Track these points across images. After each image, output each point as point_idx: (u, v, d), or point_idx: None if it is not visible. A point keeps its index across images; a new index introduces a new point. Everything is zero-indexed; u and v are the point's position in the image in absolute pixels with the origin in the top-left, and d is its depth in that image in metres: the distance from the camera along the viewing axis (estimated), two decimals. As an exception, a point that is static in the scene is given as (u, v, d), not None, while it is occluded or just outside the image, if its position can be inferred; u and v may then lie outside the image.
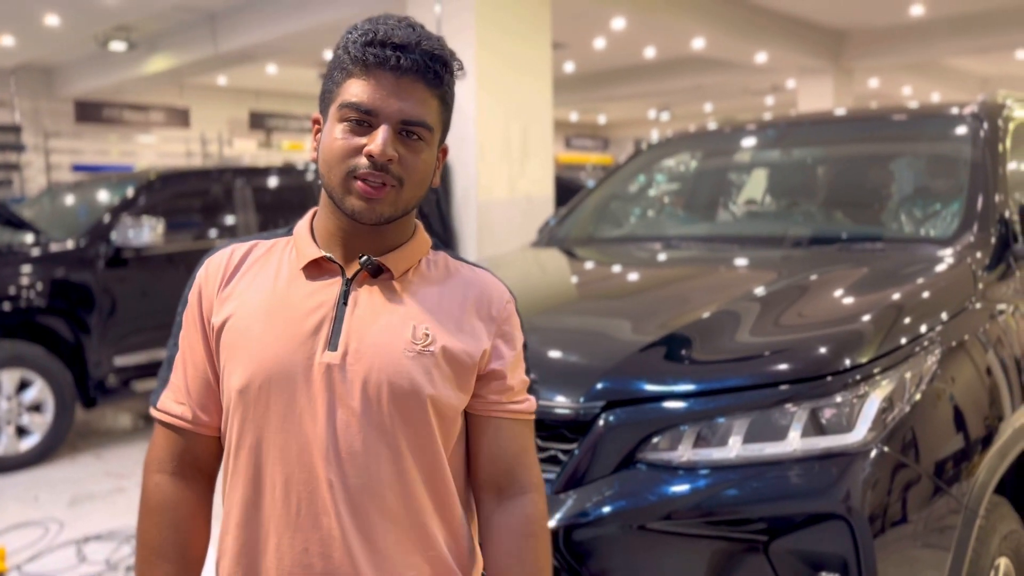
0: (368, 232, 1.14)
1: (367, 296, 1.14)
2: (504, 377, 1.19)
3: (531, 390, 1.25)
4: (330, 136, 1.11)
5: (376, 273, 1.16)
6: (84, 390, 4.97)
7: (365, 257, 1.13)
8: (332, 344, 1.10)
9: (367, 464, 1.09)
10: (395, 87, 1.09)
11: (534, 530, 1.19)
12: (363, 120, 1.09)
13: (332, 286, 1.14)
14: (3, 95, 13.88)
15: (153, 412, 1.21)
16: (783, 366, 1.83)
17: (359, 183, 1.09)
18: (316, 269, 1.15)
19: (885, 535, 1.70)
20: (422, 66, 1.09)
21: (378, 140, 1.07)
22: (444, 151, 1.20)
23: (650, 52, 13.72)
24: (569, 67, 14.99)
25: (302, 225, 1.21)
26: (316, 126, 1.18)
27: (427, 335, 1.12)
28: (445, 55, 1.12)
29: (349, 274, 1.15)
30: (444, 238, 5.99)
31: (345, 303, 1.13)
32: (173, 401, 1.19)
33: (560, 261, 3.15)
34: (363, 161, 1.08)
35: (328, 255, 1.15)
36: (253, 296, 1.15)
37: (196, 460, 1.20)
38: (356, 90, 1.09)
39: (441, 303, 1.16)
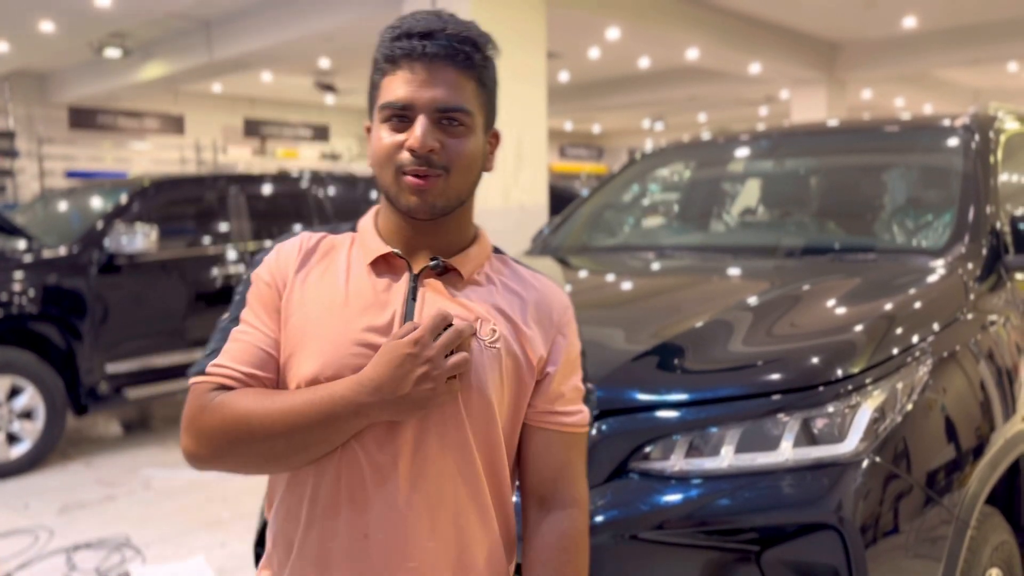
0: (428, 228, 1.15)
1: (434, 293, 1.15)
2: (555, 383, 1.19)
3: (584, 400, 1.23)
4: (376, 138, 1.12)
5: (443, 273, 1.17)
6: (75, 397, 4.95)
7: (435, 260, 1.15)
8: None
9: (434, 453, 1.10)
10: (426, 76, 1.09)
11: (568, 545, 1.18)
12: (402, 116, 1.09)
13: (400, 282, 1.15)
14: (-3, 101, 13.87)
15: (194, 380, 1.12)
16: (775, 376, 1.84)
17: (407, 177, 1.09)
18: (383, 265, 1.16)
19: (877, 545, 1.70)
20: (450, 50, 1.09)
21: (416, 133, 1.07)
22: (495, 135, 1.20)
23: (644, 62, 13.79)
24: (564, 77, 15.04)
25: (367, 221, 1.22)
26: (368, 133, 1.18)
27: (494, 331, 1.13)
28: (474, 36, 1.12)
29: (416, 270, 1.15)
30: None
31: (414, 299, 1.14)
32: (223, 363, 1.11)
33: (554, 270, 3.15)
34: (407, 156, 1.09)
35: (395, 251, 1.15)
36: (324, 289, 1.15)
37: None
38: (391, 88, 1.10)
39: (505, 305, 1.17)
